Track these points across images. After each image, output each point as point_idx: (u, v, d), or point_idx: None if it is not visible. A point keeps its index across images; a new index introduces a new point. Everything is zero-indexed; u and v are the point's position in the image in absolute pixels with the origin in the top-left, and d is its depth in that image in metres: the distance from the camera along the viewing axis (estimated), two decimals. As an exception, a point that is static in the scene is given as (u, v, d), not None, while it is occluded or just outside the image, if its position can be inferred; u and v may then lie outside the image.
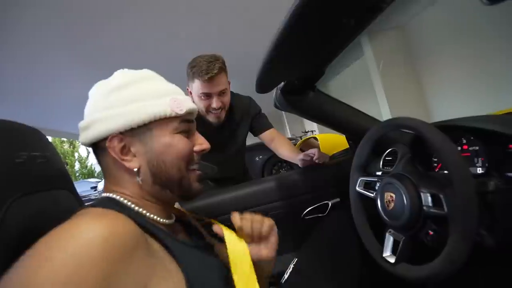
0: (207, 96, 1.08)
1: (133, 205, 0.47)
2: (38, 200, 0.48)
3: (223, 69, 1.07)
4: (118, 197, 0.47)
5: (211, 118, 1.14)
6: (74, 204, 0.57)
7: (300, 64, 0.63)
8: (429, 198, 0.51)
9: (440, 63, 3.53)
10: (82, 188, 7.90)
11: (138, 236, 0.37)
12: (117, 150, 0.47)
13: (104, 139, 0.47)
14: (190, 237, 0.56)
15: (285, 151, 1.23)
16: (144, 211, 0.47)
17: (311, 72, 0.69)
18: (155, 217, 0.48)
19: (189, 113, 0.51)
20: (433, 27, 3.51)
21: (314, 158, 1.00)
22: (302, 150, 1.19)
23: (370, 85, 4.20)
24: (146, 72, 0.52)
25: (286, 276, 0.72)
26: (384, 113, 3.96)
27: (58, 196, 0.54)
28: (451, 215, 0.45)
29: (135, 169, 0.47)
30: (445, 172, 0.65)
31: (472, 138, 0.61)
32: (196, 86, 1.07)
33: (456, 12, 3.13)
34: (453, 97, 3.41)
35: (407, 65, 3.96)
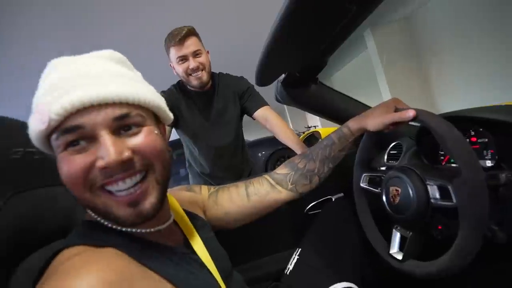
0: (183, 59, 1.13)
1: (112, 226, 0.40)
2: (35, 196, 0.47)
3: (192, 32, 1.13)
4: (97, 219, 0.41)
5: (193, 81, 1.17)
6: (71, 201, 0.56)
7: (301, 54, 0.61)
8: (437, 190, 0.49)
9: (446, 55, 3.47)
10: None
11: (130, 272, 0.35)
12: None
13: None
14: (184, 239, 0.52)
15: (283, 137, 1.18)
16: (119, 228, 0.41)
17: (313, 62, 0.67)
18: (141, 230, 0.42)
19: (76, 113, 0.35)
20: (439, 19, 3.45)
21: None
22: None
23: (373, 79, 4.15)
24: (46, 69, 0.40)
25: (290, 267, 0.71)
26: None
27: (55, 193, 0.53)
28: (460, 207, 0.43)
29: None
30: (453, 165, 0.63)
31: (480, 129, 0.59)
32: (172, 53, 1.13)
33: (463, 3, 3.07)
34: (460, 90, 3.36)
35: (411, 58, 3.90)
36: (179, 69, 1.15)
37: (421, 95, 3.86)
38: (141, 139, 0.39)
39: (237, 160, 1.38)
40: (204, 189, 0.68)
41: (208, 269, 0.47)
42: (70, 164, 0.36)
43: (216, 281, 0.47)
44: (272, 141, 3.84)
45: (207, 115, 1.24)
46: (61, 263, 0.34)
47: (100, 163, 0.36)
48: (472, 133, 0.61)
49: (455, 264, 0.43)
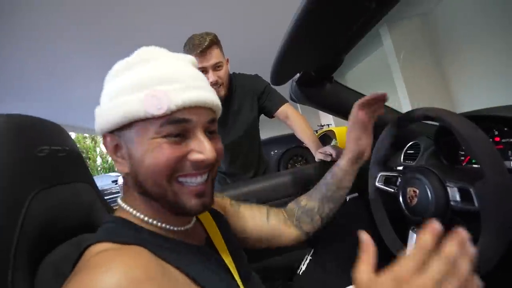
0: (202, 71, 1.07)
1: (146, 218, 0.43)
2: (59, 193, 0.50)
3: (214, 42, 1.07)
4: (132, 211, 0.43)
5: None
6: (94, 197, 0.58)
7: (317, 53, 0.60)
8: (457, 193, 0.48)
9: (467, 52, 3.31)
10: (104, 181, 8.23)
11: (155, 270, 0.36)
12: (110, 149, 0.43)
13: None
14: (206, 239, 0.52)
15: (302, 135, 1.18)
16: (155, 222, 0.43)
17: (329, 61, 0.66)
18: (167, 226, 0.44)
19: (183, 109, 0.39)
20: (458, 14, 3.30)
21: (333, 159, 0.96)
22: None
23: (389, 77, 4.04)
24: (143, 53, 0.42)
25: (303, 267, 0.71)
26: (404, 106, 3.80)
27: (79, 189, 0.55)
28: (483, 210, 0.42)
29: (123, 174, 0.42)
30: (474, 166, 0.60)
31: (505, 129, 0.57)
32: None
33: (485, -3, 2.93)
34: (481, 88, 3.20)
35: (429, 55, 3.76)
36: None
37: (440, 94, 3.71)
38: (219, 145, 0.45)
39: (253, 158, 1.39)
40: (226, 198, 0.69)
41: (229, 270, 0.48)
42: (164, 151, 0.38)
43: (237, 283, 0.47)
44: (285, 139, 3.83)
45: (224, 120, 1.23)
46: (89, 258, 0.35)
47: (198, 157, 0.40)
48: (496, 132, 0.59)
49: (476, 270, 0.42)
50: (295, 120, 1.20)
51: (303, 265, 0.72)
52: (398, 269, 0.30)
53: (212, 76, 1.08)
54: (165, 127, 0.38)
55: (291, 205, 0.71)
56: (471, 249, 0.32)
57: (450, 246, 0.31)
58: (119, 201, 0.46)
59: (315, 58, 0.62)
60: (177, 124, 0.39)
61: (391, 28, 3.78)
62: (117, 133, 0.41)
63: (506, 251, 0.41)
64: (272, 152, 3.78)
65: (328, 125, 6.04)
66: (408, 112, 0.61)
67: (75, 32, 2.70)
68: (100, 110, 0.42)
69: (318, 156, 1.03)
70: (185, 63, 0.44)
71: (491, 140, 0.59)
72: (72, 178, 0.54)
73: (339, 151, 0.98)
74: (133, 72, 0.40)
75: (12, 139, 0.43)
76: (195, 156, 0.40)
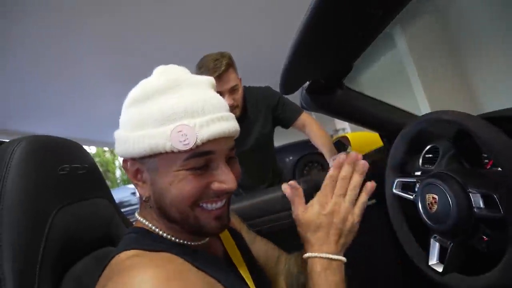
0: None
1: (165, 234, 0.44)
2: (80, 209, 0.52)
3: (230, 65, 1.05)
4: (151, 227, 0.45)
5: None
6: (112, 212, 0.60)
7: (326, 60, 0.60)
8: (480, 199, 0.45)
9: (490, 50, 3.13)
10: (123, 193, 8.43)
11: (185, 271, 0.37)
12: (130, 173, 0.44)
13: None
14: (224, 253, 0.53)
15: (317, 142, 1.18)
16: (173, 238, 0.44)
17: (338, 68, 0.66)
18: (184, 241, 0.45)
19: (208, 142, 0.39)
20: (477, 9, 3.17)
21: None
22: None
23: (405, 78, 3.92)
24: (164, 79, 0.41)
25: None
26: (422, 108, 3.66)
27: (98, 204, 0.57)
28: (509, 217, 0.40)
29: (144, 197, 0.44)
30: (499, 169, 0.57)
31: None
32: None
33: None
34: (506, 87, 3.03)
35: (448, 54, 3.61)
36: None
37: (461, 95, 3.53)
38: (238, 170, 0.46)
39: (267, 170, 1.39)
40: (242, 223, 0.69)
41: (245, 282, 0.48)
42: (189, 184, 0.40)
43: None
44: (299, 146, 3.81)
45: (236, 139, 1.23)
46: (121, 262, 0.37)
47: (221, 186, 0.41)
48: (520, 134, 0.56)
49: (504, 283, 0.39)
50: (312, 128, 1.21)
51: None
52: (317, 198, 0.49)
53: (228, 99, 1.07)
54: (190, 161, 0.39)
55: (289, 269, 0.65)
56: (362, 164, 0.50)
57: (345, 168, 0.50)
58: (137, 215, 0.47)
59: (324, 65, 0.62)
60: (202, 157, 0.40)
61: (405, 28, 3.68)
62: (140, 160, 0.42)
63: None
64: (287, 159, 3.76)
65: (343, 129, 5.95)
66: (423, 116, 0.60)
67: (97, 53, 2.85)
68: (121, 136, 0.43)
69: (331, 164, 1.01)
70: (206, 88, 0.45)
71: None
72: (92, 194, 0.57)
73: None
74: (157, 102, 0.40)
75: (37, 160, 0.46)
76: (218, 186, 0.41)
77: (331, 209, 0.47)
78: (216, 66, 1.01)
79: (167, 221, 0.44)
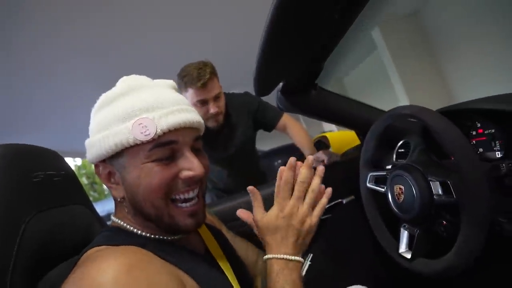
0: (203, 103, 1.09)
1: (139, 232, 0.45)
2: (55, 215, 0.52)
3: (214, 73, 1.09)
4: (126, 226, 0.46)
5: (209, 124, 1.15)
6: (90, 218, 0.60)
7: (294, 61, 0.62)
8: (439, 186, 0.49)
9: (462, 48, 3.31)
10: (111, 205, 8.18)
11: (150, 261, 0.38)
12: (103, 177, 0.45)
13: None
14: (205, 249, 0.54)
15: (298, 143, 1.21)
16: (148, 234, 0.45)
17: (308, 68, 0.68)
18: (160, 237, 0.46)
19: (169, 132, 0.41)
20: (450, 9, 3.33)
21: (325, 164, 0.97)
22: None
23: (386, 78, 4.05)
24: (126, 84, 0.45)
25: (303, 272, 0.71)
26: (402, 104, 3.77)
27: (74, 211, 0.57)
28: (461, 202, 0.43)
29: (119, 198, 0.45)
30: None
31: (487, 121, 0.58)
32: (190, 95, 1.07)
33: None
34: (479, 84, 3.18)
35: (424, 53, 3.77)
36: (197, 111, 1.10)
37: (438, 92, 3.70)
38: (205, 161, 0.48)
39: (250, 174, 1.40)
40: (221, 223, 0.71)
41: (227, 276, 0.50)
42: (156, 175, 0.41)
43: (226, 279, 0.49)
44: (288, 149, 3.83)
45: (219, 139, 1.24)
46: (87, 256, 0.39)
47: (188, 174, 0.43)
48: (479, 124, 0.59)
49: (458, 263, 0.42)
50: (293, 129, 1.24)
51: (303, 270, 0.72)
52: (276, 201, 0.50)
53: (213, 107, 1.10)
54: (154, 151, 0.41)
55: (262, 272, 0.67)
56: (320, 169, 0.52)
57: (303, 170, 0.50)
58: (112, 217, 0.49)
59: (293, 66, 0.64)
60: (165, 146, 0.42)
61: (382, 29, 3.82)
62: (109, 161, 0.44)
63: (490, 242, 0.41)
64: (275, 163, 3.78)
65: (330, 131, 6.01)
66: (387, 112, 0.63)
67: (80, 63, 2.80)
68: (89, 142, 0.45)
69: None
70: (165, 89, 0.47)
71: (474, 132, 0.60)
72: (69, 201, 0.57)
73: (333, 156, 0.99)
74: (119, 103, 0.43)
75: (8, 166, 0.46)
76: (186, 174, 0.43)
77: (289, 211, 0.48)
78: (200, 75, 1.04)
79: (143, 219, 0.45)
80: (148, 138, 0.40)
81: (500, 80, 2.94)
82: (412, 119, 0.60)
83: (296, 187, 0.50)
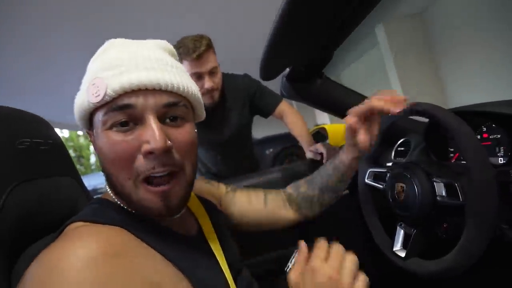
0: (198, 76, 1.03)
1: (128, 208, 0.42)
2: (40, 186, 0.48)
3: (210, 46, 1.03)
4: (115, 199, 0.43)
5: (204, 100, 1.09)
6: (77, 190, 0.57)
7: (305, 48, 0.59)
8: (443, 188, 0.48)
9: (461, 50, 3.36)
10: (97, 180, 8.11)
11: (131, 249, 0.35)
12: (94, 146, 0.42)
13: None
14: (198, 229, 0.52)
15: (295, 132, 1.17)
16: (134, 212, 0.42)
17: (318, 56, 0.66)
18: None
19: (125, 94, 0.35)
20: (453, 13, 3.34)
21: (323, 158, 0.96)
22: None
23: (384, 75, 4.07)
24: (105, 44, 0.41)
25: (290, 264, 0.71)
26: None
27: (62, 183, 0.54)
28: (468, 204, 0.42)
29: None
30: (462, 162, 0.61)
31: (493, 125, 0.57)
32: (185, 67, 1.02)
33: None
34: (475, 86, 3.24)
35: (423, 54, 3.80)
36: None
37: (434, 92, 3.76)
38: (184, 133, 0.40)
39: (244, 159, 1.38)
40: (222, 186, 0.69)
41: (217, 260, 0.48)
42: (116, 146, 0.36)
43: (223, 273, 0.47)
44: (280, 138, 3.82)
45: (215, 121, 1.20)
46: (68, 231, 0.36)
47: (146, 147, 0.36)
48: (484, 129, 0.59)
49: (458, 265, 0.41)
50: (290, 117, 1.19)
51: (291, 262, 0.72)
52: (311, 266, 0.41)
53: (208, 82, 1.04)
54: (108, 116, 0.36)
55: (290, 189, 0.71)
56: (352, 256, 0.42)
57: (336, 247, 0.42)
58: (107, 187, 0.45)
59: (303, 52, 0.62)
60: (120, 111, 0.36)
61: (386, 27, 3.81)
62: (92, 128, 0.41)
63: (489, 247, 0.41)
64: (267, 151, 3.77)
65: (323, 124, 6.04)
66: None
67: (68, 27, 2.66)
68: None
69: (308, 155, 1.02)
70: (154, 48, 0.42)
71: (479, 136, 0.59)
72: (55, 172, 0.53)
73: (330, 150, 0.97)
74: (92, 64, 0.40)
75: None
76: (144, 147, 0.36)
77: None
78: (196, 46, 0.99)
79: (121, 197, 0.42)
80: (98, 99, 0.35)
81: (496, 87, 2.99)
82: (420, 117, 0.59)
83: (332, 259, 0.42)
